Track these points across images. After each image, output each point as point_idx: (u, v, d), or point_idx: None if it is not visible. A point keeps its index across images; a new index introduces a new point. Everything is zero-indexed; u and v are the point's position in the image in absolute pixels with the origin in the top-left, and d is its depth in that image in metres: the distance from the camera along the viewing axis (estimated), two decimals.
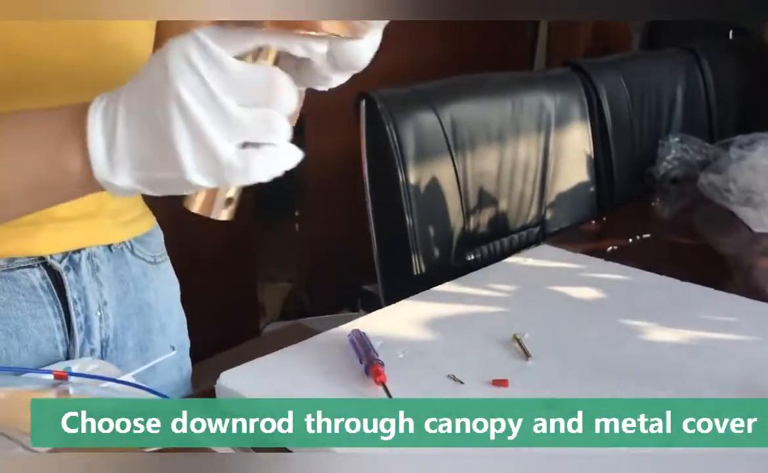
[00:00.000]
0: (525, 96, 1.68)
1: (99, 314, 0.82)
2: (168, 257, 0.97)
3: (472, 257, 1.60)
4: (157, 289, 0.92)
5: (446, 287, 1.16)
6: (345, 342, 0.96)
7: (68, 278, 0.80)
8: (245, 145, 0.54)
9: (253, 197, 2.35)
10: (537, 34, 3.20)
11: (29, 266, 0.78)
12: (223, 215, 0.58)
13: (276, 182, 0.57)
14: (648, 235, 1.50)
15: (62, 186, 0.60)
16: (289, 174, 0.57)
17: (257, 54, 0.56)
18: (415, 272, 1.48)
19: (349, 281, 2.68)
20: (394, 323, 1.04)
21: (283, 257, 2.78)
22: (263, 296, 2.73)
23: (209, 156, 0.53)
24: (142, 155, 0.55)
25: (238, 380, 0.87)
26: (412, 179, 1.49)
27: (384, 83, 2.39)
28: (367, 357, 0.91)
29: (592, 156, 1.85)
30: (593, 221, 1.69)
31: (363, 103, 1.48)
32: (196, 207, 0.58)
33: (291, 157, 0.56)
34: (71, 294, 0.80)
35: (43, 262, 0.79)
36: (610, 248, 1.41)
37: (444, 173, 1.54)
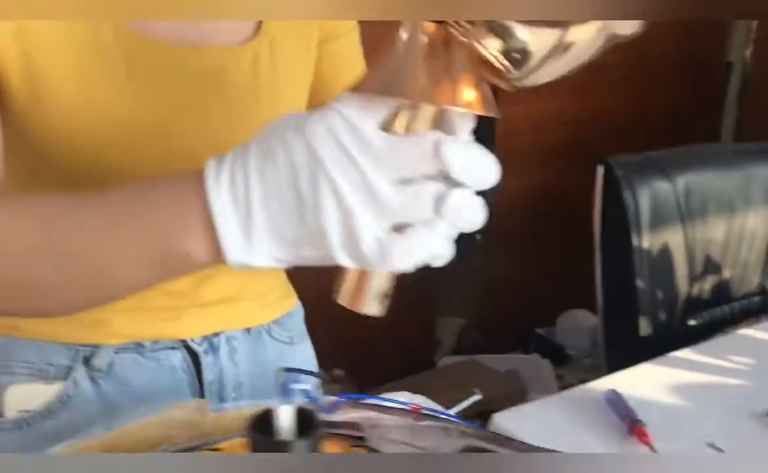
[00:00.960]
0: (756, 167, 1.70)
1: (234, 395, 0.83)
2: (307, 337, 0.94)
3: (694, 323, 1.62)
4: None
5: (683, 353, 1.21)
6: (597, 398, 1.04)
7: (206, 360, 0.81)
8: (401, 227, 0.49)
9: None
10: (726, 93, 3.12)
11: (171, 348, 0.79)
12: (373, 308, 0.52)
13: None
14: None
15: (183, 267, 0.55)
16: None
17: (406, 115, 0.49)
18: (641, 334, 1.53)
19: (523, 323, 2.72)
20: (639, 385, 1.09)
21: (460, 293, 2.84)
22: (439, 329, 2.80)
23: (355, 239, 0.49)
24: (284, 235, 0.50)
25: (510, 421, 0.99)
26: (645, 244, 1.54)
27: (560, 130, 2.43)
28: (629, 417, 0.98)
29: None
30: None
31: (601, 168, 1.55)
32: (344, 300, 0.52)
33: (444, 243, 0.51)
34: (207, 376, 0.81)
35: (184, 344, 0.80)
36: None
37: (674, 239, 1.58)
